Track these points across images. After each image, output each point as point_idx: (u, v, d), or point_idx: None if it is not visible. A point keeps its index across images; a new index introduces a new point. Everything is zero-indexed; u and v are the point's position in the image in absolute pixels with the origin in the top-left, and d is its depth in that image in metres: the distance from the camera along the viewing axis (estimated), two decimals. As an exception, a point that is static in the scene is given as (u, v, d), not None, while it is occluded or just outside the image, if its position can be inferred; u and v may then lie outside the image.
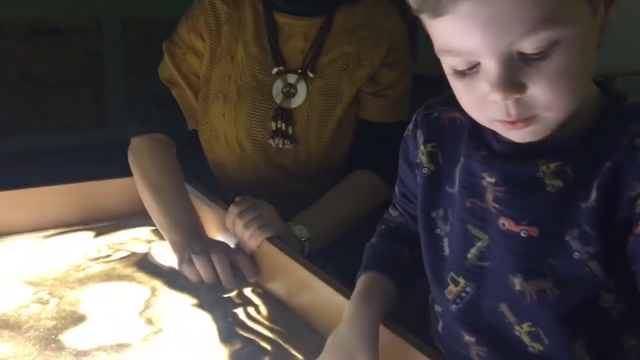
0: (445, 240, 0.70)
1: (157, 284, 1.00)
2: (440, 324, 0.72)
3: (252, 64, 1.19)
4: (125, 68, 3.63)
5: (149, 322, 0.88)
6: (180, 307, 0.93)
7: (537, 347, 0.63)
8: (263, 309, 0.92)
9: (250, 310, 0.92)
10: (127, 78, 3.61)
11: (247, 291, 0.98)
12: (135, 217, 1.23)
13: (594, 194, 0.58)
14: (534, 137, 0.59)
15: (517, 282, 0.62)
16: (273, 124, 1.18)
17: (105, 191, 1.26)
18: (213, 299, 0.94)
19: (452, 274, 0.68)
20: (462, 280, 0.67)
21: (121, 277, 1.02)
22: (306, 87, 1.18)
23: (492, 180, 0.64)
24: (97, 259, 1.08)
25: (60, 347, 0.81)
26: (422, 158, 0.72)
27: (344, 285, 0.82)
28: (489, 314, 0.65)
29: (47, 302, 0.92)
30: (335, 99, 1.19)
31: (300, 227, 1.05)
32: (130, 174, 1.23)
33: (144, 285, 0.99)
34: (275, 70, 1.18)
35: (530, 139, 0.60)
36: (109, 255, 1.10)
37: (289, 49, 1.20)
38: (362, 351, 0.68)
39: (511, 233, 0.62)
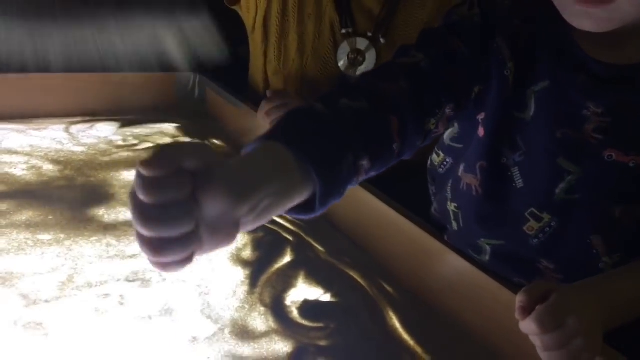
0: (516, 171, 0.63)
1: (182, 174, 1.00)
2: (488, 255, 0.68)
3: (331, 20, 1.05)
4: None
5: (175, 206, 0.89)
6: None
7: None
8: (286, 205, 0.93)
9: (273, 205, 0.92)
10: None
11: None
12: (159, 112, 1.24)
13: None
14: (608, 25, 0.52)
15: (617, 211, 0.59)
16: None
17: (130, 84, 1.25)
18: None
19: (534, 210, 0.63)
20: (546, 216, 0.63)
21: (146, 165, 1.02)
22: (376, 56, 1.03)
23: (599, 110, 0.58)
24: (123, 146, 1.09)
25: (88, 219, 0.82)
26: (510, 78, 0.62)
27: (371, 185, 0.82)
28: (574, 246, 0.62)
29: (74, 180, 0.94)
30: None
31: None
32: (159, 70, 1.22)
33: (169, 174, 1.00)
34: (343, 31, 1.04)
35: (603, 27, 0.52)
36: (134, 145, 1.10)
37: (359, 9, 1.04)
38: None
39: (618, 164, 0.58)
